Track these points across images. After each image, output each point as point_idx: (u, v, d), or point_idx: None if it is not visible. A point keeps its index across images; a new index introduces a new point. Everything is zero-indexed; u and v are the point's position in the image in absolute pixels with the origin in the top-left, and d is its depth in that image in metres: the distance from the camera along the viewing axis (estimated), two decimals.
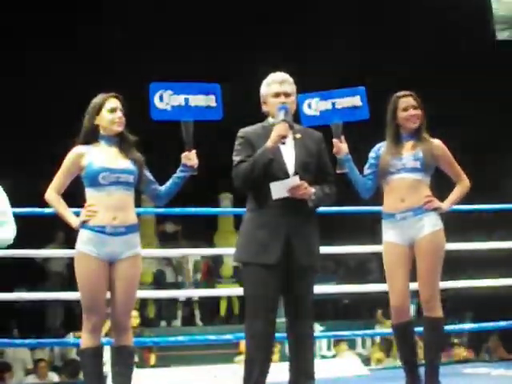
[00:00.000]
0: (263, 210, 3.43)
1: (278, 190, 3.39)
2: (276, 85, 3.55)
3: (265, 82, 3.61)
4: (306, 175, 3.45)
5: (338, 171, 3.80)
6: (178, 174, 3.61)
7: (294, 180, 3.41)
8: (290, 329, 3.45)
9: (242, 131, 3.57)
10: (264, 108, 3.62)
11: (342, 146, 3.75)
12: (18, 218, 4.31)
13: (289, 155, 3.47)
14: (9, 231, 3.73)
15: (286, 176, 3.43)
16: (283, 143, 3.40)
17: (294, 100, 3.58)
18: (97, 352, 3.48)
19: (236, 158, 3.49)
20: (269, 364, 3.43)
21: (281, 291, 3.44)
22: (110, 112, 3.56)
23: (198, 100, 3.60)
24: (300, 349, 3.41)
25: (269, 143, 3.39)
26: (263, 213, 3.43)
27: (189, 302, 10.12)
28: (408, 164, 3.82)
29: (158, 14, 10.21)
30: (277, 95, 3.53)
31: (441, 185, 3.98)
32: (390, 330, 4.37)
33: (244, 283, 3.51)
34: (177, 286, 9.95)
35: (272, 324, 3.41)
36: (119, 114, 3.56)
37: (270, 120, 3.55)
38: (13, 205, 4.72)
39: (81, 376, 7.08)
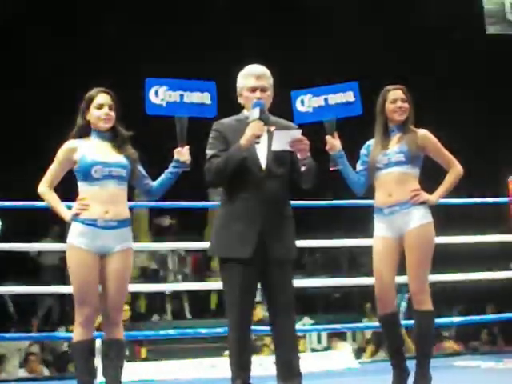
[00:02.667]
0: (237, 203, 3.42)
1: (280, 140, 3.33)
2: (252, 79, 3.51)
3: (241, 74, 3.57)
4: (280, 168, 3.43)
5: (331, 168, 3.80)
6: (171, 169, 3.61)
7: (298, 132, 3.37)
8: (272, 322, 3.46)
9: (217, 124, 3.54)
10: (239, 100, 3.58)
11: (335, 143, 3.75)
12: (12, 212, 4.32)
13: (262, 148, 3.43)
14: None
15: (259, 169, 3.41)
16: (258, 142, 3.37)
17: (270, 94, 3.55)
18: (88, 346, 3.49)
19: (209, 152, 3.47)
20: (249, 354, 3.44)
21: (259, 283, 3.45)
22: (97, 108, 3.55)
23: (193, 97, 3.60)
24: (284, 344, 3.42)
25: (243, 141, 3.36)
26: (237, 206, 3.41)
27: (178, 295, 10.13)
28: (393, 158, 3.83)
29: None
30: (253, 90, 3.50)
31: (435, 175, 3.98)
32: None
33: (221, 276, 3.51)
34: (165, 279, 9.96)
35: (248, 315, 3.42)
36: (106, 110, 3.55)
37: (245, 113, 3.52)
38: (7, 199, 4.72)
39: (70, 369, 7.13)
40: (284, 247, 3.44)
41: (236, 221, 3.40)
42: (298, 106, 3.75)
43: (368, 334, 8.81)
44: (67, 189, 3.63)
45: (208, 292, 10.21)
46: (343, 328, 7.82)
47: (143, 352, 7.90)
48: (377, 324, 4.07)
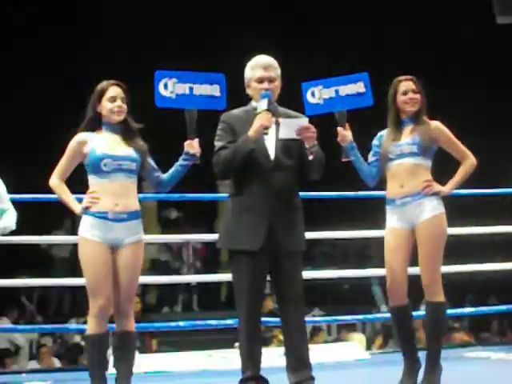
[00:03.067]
0: (246, 196, 3.42)
1: (287, 129, 3.34)
2: (260, 69, 3.51)
3: (249, 65, 3.57)
4: (288, 159, 3.43)
5: (342, 159, 3.79)
6: (181, 161, 3.60)
7: (305, 121, 3.38)
8: (282, 314, 3.47)
9: (225, 115, 3.54)
10: (247, 91, 3.58)
11: (346, 134, 3.74)
12: (24, 205, 4.32)
13: (270, 139, 3.44)
14: (10, 218, 3.74)
15: (268, 160, 3.41)
16: (266, 133, 3.37)
17: (277, 85, 3.54)
18: (102, 339, 3.50)
19: (217, 144, 3.47)
20: (260, 346, 3.45)
21: (269, 276, 3.46)
22: (109, 101, 3.55)
23: (203, 89, 3.59)
24: (294, 335, 3.42)
25: (251, 133, 3.36)
26: (246, 198, 3.42)
27: (189, 287, 10.16)
28: (405, 149, 3.81)
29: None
30: (260, 80, 3.50)
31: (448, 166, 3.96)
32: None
33: (230, 268, 3.52)
34: (177, 271, 9.98)
35: (258, 306, 3.44)
36: (119, 102, 3.55)
37: (253, 104, 3.52)
38: (20, 192, 4.74)
39: (82, 361, 7.17)
40: (294, 239, 3.44)
41: (245, 213, 3.41)
42: (309, 98, 3.73)
43: (378, 325, 8.82)
44: (78, 181, 3.64)
45: (218, 284, 10.24)
46: (353, 319, 7.84)
47: (154, 344, 7.94)
48: (387, 315, 4.07)
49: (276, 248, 3.39)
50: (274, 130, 3.43)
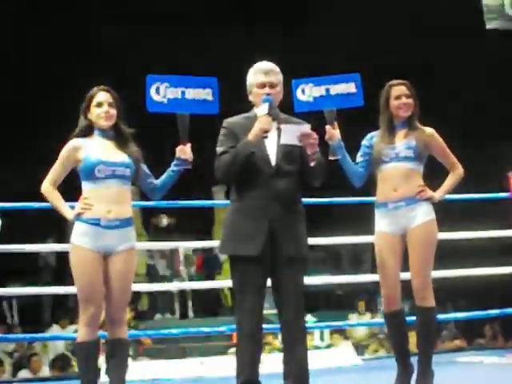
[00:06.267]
0: (246, 201, 3.41)
1: (288, 135, 3.34)
2: (261, 75, 3.51)
3: (251, 72, 3.57)
4: (289, 165, 3.43)
5: (330, 158, 3.79)
6: (173, 167, 3.59)
7: (307, 127, 3.38)
8: (281, 321, 3.45)
9: (227, 121, 3.54)
10: (250, 98, 3.58)
11: (334, 133, 3.73)
12: (15, 212, 4.30)
13: (272, 145, 3.43)
14: None
15: (269, 166, 3.41)
16: (265, 137, 3.37)
17: (279, 90, 3.54)
18: (93, 346, 3.47)
19: (219, 149, 3.47)
20: (259, 352, 3.43)
21: (269, 281, 3.44)
22: (96, 106, 3.53)
23: (195, 93, 3.56)
24: (292, 340, 3.40)
25: (251, 136, 3.36)
26: (246, 204, 3.41)
27: (183, 294, 10.14)
28: (401, 153, 3.81)
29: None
30: (262, 85, 3.50)
31: (434, 173, 3.98)
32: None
33: (230, 274, 3.50)
34: (169, 278, 9.96)
35: (258, 312, 3.41)
36: (105, 108, 3.53)
37: (255, 110, 3.52)
38: (11, 200, 4.72)
39: (72, 369, 7.14)
40: (294, 244, 3.42)
41: (245, 218, 3.40)
42: (299, 95, 3.72)
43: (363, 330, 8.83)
44: (69, 188, 3.63)
45: (213, 291, 10.22)
46: (346, 325, 7.85)
47: (147, 351, 7.92)
48: (378, 321, 4.08)
49: (276, 253, 3.38)
50: (276, 136, 3.43)
